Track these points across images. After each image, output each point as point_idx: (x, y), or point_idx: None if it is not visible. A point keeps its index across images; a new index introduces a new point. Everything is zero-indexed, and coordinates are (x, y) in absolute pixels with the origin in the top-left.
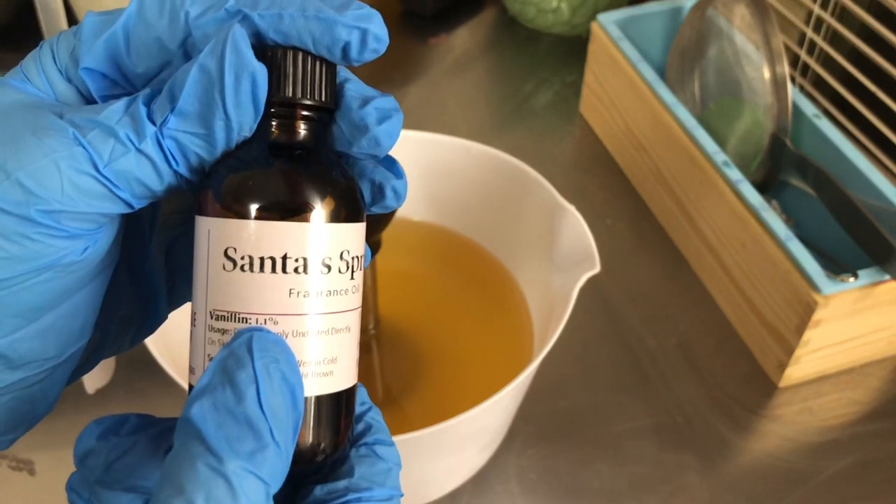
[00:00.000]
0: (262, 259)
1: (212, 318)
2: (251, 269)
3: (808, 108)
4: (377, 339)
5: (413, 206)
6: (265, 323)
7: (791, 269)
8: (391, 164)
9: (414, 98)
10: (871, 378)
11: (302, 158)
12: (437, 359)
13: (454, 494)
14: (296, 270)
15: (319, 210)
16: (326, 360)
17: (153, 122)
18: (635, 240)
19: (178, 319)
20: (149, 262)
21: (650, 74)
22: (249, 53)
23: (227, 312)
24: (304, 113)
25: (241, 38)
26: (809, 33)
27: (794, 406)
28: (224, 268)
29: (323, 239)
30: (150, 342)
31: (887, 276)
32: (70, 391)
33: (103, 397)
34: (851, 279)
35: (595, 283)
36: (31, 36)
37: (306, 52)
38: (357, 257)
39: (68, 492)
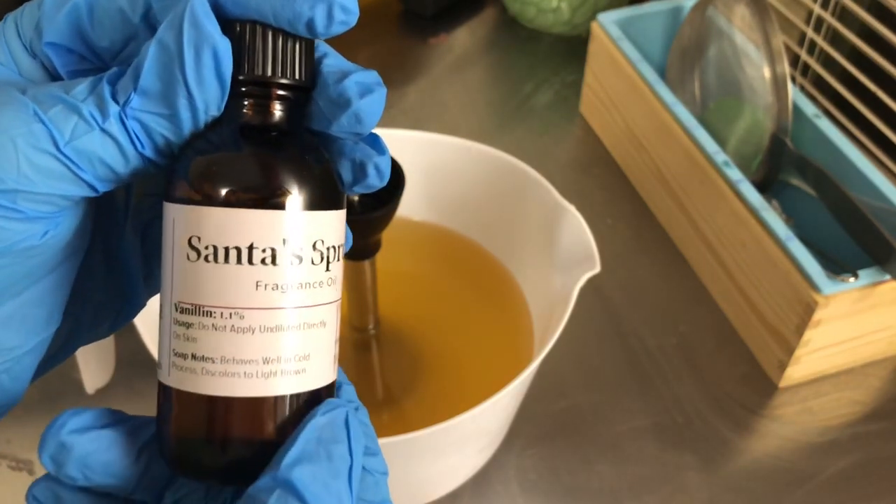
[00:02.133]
0: (226, 249)
1: (176, 310)
2: (215, 260)
3: (809, 108)
4: (377, 339)
5: (413, 206)
6: (230, 317)
7: (791, 269)
8: (373, 141)
9: (414, 98)
10: (871, 378)
11: (272, 141)
12: (437, 359)
13: (454, 494)
14: (263, 262)
15: (289, 197)
16: (298, 357)
17: (117, 102)
18: (635, 240)
19: None
20: (124, 246)
21: (650, 74)
22: (210, 26)
23: (192, 305)
24: (278, 92)
25: (200, 10)
26: (810, 33)
27: (794, 406)
28: (188, 258)
29: (293, 228)
30: (150, 342)
31: (887, 276)
32: (70, 391)
33: (103, 397)
34: (851, 279)
35: (595, 283)
36: None
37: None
38: (333, 247)
39: (30, 500)
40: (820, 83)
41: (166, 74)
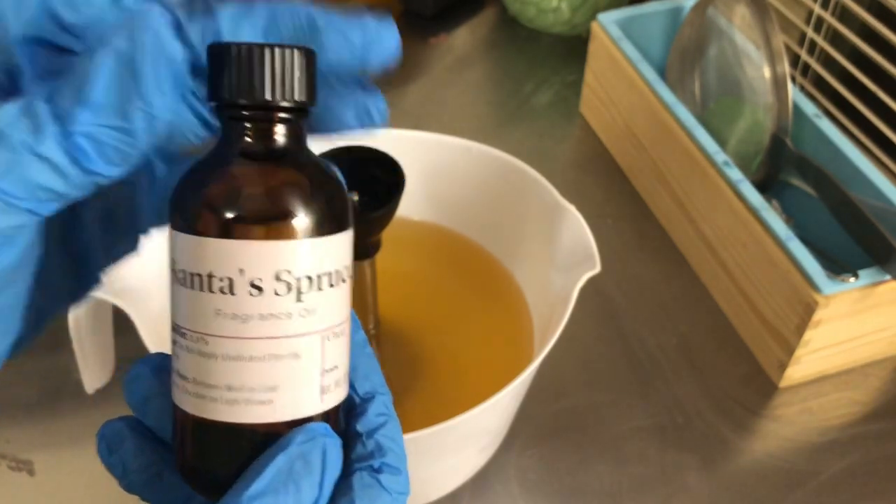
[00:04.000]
0: (191, 275)
1: (171, 327)
2: (185, 285)
3: (809, 108)
4: (377, 339)
5: (413, 206)
6: (197, 341)
7: (791, 269)
8: (367, 85)
9: (414, 98)
10: (871, 378)
11: (242, 168)
12: (437, 359)
13: (454, 494)
14: (221, 290)
15: (247, 226)
16: (265, 387)
17: (60, 120)
18: (635, 240)
19: None
20: (85, 231)
21: (650, 74)
22: (168, 35)
23: (174, 324)
24: (277, 116)
25: (159, 20)
26: (810, 33)
27: (794, 406)
28: (172, 280)
29: (249, 258)
30: (150, 342)
31: (887, 276)
32: (69, 391)
33: (103, 397)
34: (852, 279)
35: (595, 283)
36: None
37: (283, 46)
38: (309, 277)
39: (98, 438)
40: (820, 83)
41: (119, 85)
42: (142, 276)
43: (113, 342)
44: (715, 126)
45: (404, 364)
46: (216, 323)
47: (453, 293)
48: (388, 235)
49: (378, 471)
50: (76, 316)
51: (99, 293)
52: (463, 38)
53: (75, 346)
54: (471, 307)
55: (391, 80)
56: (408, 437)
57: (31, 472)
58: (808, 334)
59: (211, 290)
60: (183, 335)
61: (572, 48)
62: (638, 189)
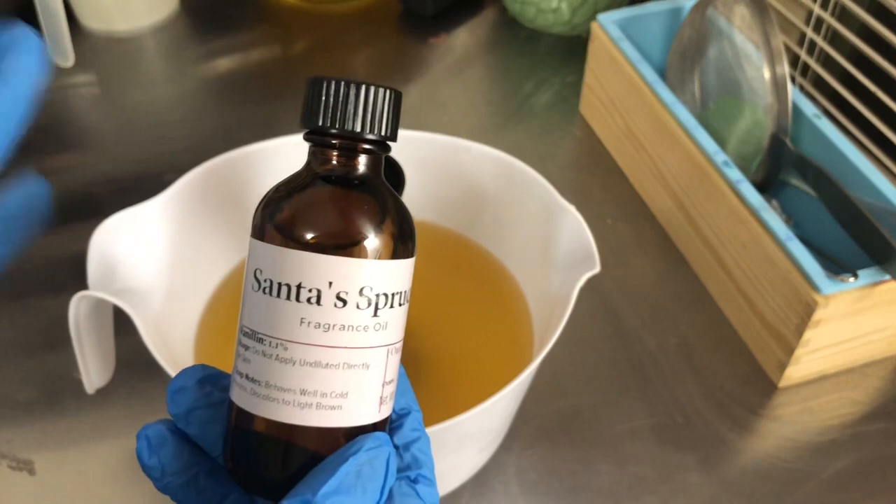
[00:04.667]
0: (279, 285)
1: (241, 332)
2: (270, 293)
3: (809, 108)
4: None
5: (413, 206)
6: (276, 346)
7: (791, 269)
8: None
9: (414, 98)
10: (871, 378)
11: (337, 191)
12: (437, 359)
13: (454, 494)
14: (308, 301)
15: (337, 244)
16: (336, 393)
17: None
18: (635, 240)
19: (176, 319)
20: None
21: (650, 74)
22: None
23: (250, 330)
24: (363, 147)
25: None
26: (809, 33)
27: (794, 406)
28: (253, 287)
29: (339, 273)
30: (150, 342)
31: (887, 276)
32: (70, 391)
33: (103, 397)
34: (851, 279)
35: (595, 283)
36: None
37: (369, 85)
38: (385, 294)
39: (140, 439)
40: (820, 83)
41: None
42: (142, 276)
43: (113, 342)
44: (715, 126)
45: (404, 364)
46: (300, 330)
47: (453, 293)
48: None
49: (415, 481)
50: (76, 316)
51: (99, 293)
52: (463, 39)
53: (75, 346)
54: (471, 307)
55: (391, 80)
56: None
57: (31, 472)
58: (808, 334)
59: (298, 300)
60: (260, 340)
61: (572, 48)
62: (638, 189)
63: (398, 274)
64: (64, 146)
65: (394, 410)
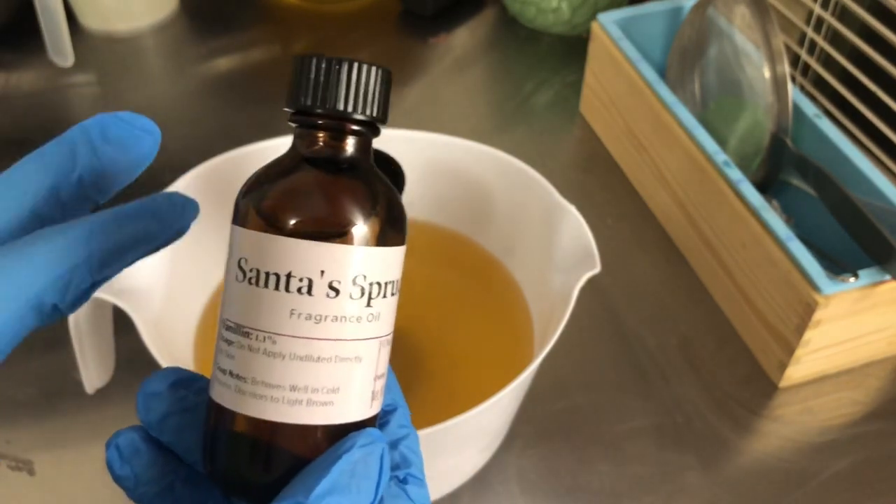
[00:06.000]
0: (267, 274)
1: (223, 327)
2: (257, 284)
3: (809, 108)
4: None
5: (413, 206)
6: (264, 340)
7: (791, 269)
8: None
9: (414, 98)
10: (871, 378)
11: (327, 174)
12: (437, 359)
13: (454, 494)
14: (299, 291)
15: (330, 230)
16: (327, 389)
17: None
18: (635, 240)
19: (176, 318)
20: None
21: (650, 74)
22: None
23: (234, 324)
24: (352, 128)
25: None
26: (810, 33)
27: (794, 406)
28: (237, 278)
29: (331, 261)
30: (150, 342)
31: (887, 276)
32: (69, 391)
33: (103, 397)
34: (851, 279)
35: (595, 283)
36: (31, 36)
37: (358, 62)
38: (378, 283)
39: (109, 449)
40: (820, 83)
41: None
42: (142, 276)
43: (113, 342)
44: (715, 126)
45: (404, 364)
46: (289, 322)
47: (453, 293)
48: None
49: (404, 481)
50: (76, 316)
51: (99, 293)
52: (463, 38)
53: (75, 346)
54: (471, 307)
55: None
56: None
57: (31, 472)
58: (808, 334)
59: (288, 290)
60: (246, 335)
61: (572, 48)
62: (638, 189)
63: (391, 262)
64: None
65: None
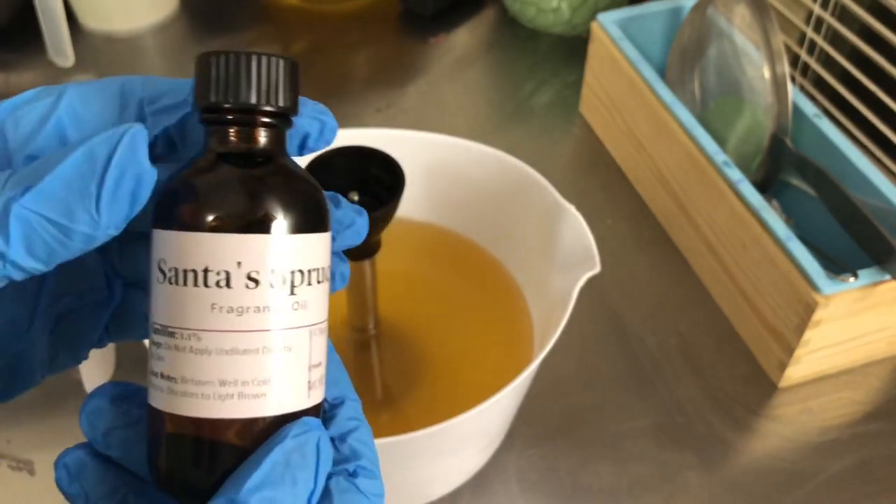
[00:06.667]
0: (185, 272)
1: (152, 330)
2: (177, 283)
3: (809, 108)
4: (377, 339)
5: (413, 206)
6: (189, 338)
7: (791, 269)
8: (338, 253)
9: (414, 98)
10: (871, 378)
11: (236, 168)
12: (437, 359)
13: (454, 494)
14: (217, 284)
15: (242, 221)
16: (257, 381)
17: (7, 197)
18: (635, 240)
19: None
20: (28, 335)
21: (650, 74)
22: (144, 155)
23: (161, 326)
24: (262, 120)
25: (139, 137)
26: (810, 33)
27: (794, 406)
28: (158, 280)
29: (247, 251)
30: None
31: (887, 276)
32: (70, 391)
33: None
34: (851, 279)
35: (595, 283)
36: (31, 36)
37: (260, 55)
38: (301, 271)
39: (58, 468)
40: (820, 83)
41: (78, 182)
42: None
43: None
44: (715, 126)
45: (404, 364)
46: (211, 317)
47: (453, 293)
48: (388, 235)
49: (353, 475)
50: None
51: None
52: (463, 38)
53: None
54: (471, 307)
55: (391, 80)
56: (408, 437)
57: (31, 472)
58: (808, 334)
59: (206, 285)
60: (171, 335)
61: (572, 48)
62: (638, 189)
63: (312, 249)
64: None
65: (327, 401)
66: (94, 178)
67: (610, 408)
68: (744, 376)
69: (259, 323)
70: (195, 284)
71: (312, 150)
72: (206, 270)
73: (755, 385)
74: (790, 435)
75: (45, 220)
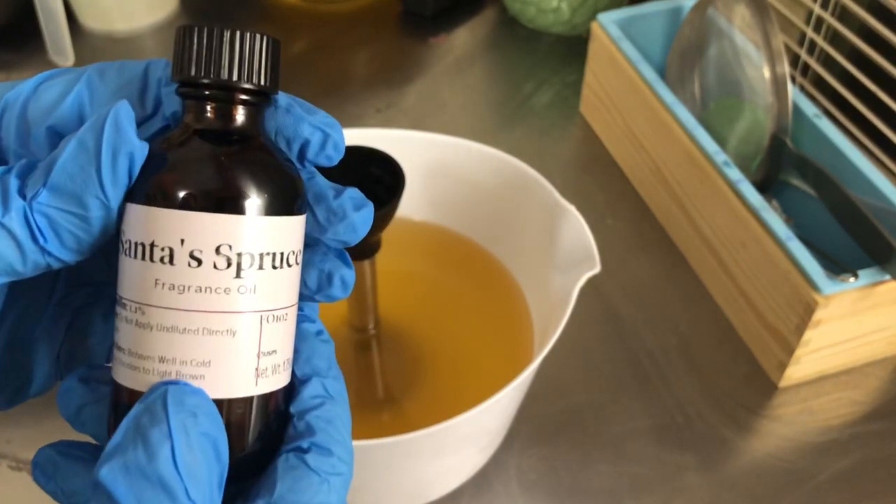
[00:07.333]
0: (135, 244)
1: (116, 300)
2: (129, 254)
3: (809, 108)
4: (377, 339)
5: (413, 206)
6: (135, 311)
7: (791, 269)
8: (342, 255)
9: (414, 98)
10: (871, 378)
11: (202, 144)
12: (437, 359)
13: (454, 494)
14: (161, 260)
15: (185, 197)
16: (196, 361)
17: (23, 196)
18: (635, 240)
19: None
20: (36, 329)
21: (650, 74)
22: (131, 131)
23: (119, 296)
24: (241, 97)
25: (123, 114)
26: (810, 33)
27: (794, 406)
28: (118, 250)
29: (192, 229)
30: None
31: (887, 276)
32: None
33: None
34: (851, 279)
35: (595, 283)
36: (31, 36)
37: (243, 31)
38: (251, 254)
39: (34, 469)
40: (820, 83)
41: (80, 173)
42: None
43: None
44: (715, 126)
45: (404, 364)
46: (155, 293)
47: (453, 293)
48: (388, 235)
49: (306, 451)
50: None
51: None
52: (463, 38)
53: None
54: (471, 307)
55: (391, 80)
56: (408, 437)
57: (31, 472)
58: (808, 334)
59: (152, 260)
60: (124, 306)
61: (572, 48)
62: (638, 189)
63: (270, 233)
64: None
65: (296, 378)
66: (92, 165)
67: (610, 408)
68: (744, 376)
69: (200, 303)
70: (143, 258)
71: (313, 163)
72: (152, 245)
73: (755, 385)
74: (790, 435)
75: (65, 213)
